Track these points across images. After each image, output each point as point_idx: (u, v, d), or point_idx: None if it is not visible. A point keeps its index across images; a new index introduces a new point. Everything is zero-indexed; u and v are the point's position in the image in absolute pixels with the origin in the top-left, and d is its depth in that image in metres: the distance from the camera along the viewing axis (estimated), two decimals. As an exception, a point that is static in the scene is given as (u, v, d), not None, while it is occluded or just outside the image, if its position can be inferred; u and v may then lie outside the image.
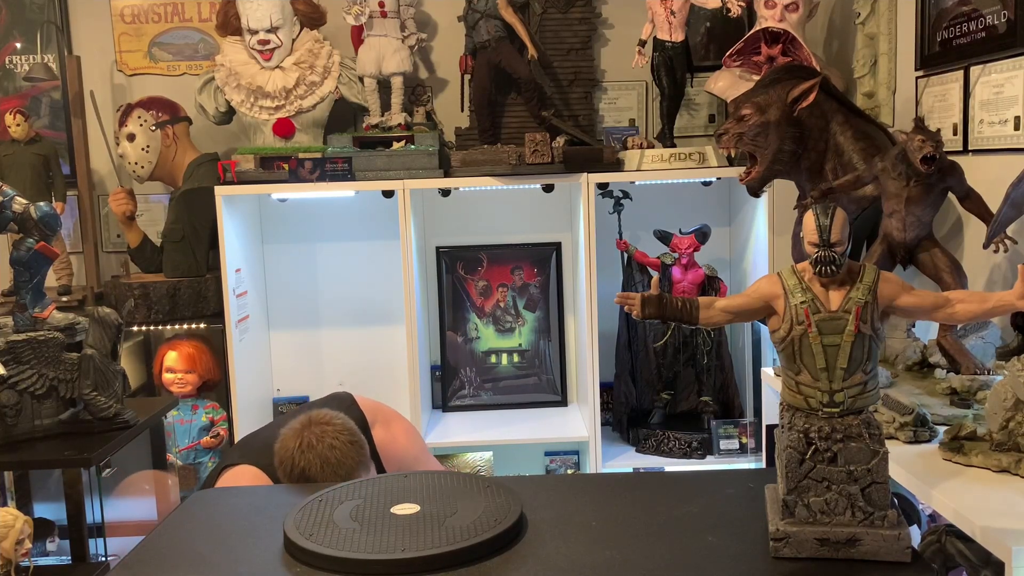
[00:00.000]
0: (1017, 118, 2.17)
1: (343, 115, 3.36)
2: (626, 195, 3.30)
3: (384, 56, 3.16)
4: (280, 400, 3.55)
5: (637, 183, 3.23)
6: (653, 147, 3.06)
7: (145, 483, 2.46)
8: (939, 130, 2.10)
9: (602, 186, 3.14)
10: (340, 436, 1.93)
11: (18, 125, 3.17)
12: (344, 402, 2.24)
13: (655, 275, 3.11)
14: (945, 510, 1.45)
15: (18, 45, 3.53)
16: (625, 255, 3.30)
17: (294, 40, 3.20)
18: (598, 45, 3.47)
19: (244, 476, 2.00)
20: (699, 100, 3.49)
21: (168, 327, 3.26)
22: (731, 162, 2.90)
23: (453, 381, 3.54)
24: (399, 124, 3.16)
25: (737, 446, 3.19)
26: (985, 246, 1.93)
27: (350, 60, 3.25)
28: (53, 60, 3.50)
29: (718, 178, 3.26)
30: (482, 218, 3.53)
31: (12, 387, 1.93)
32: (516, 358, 3.57)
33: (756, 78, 2.59)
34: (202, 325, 3.27)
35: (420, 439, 2.38)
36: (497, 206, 3.52)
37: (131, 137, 3.29)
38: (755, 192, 2.36)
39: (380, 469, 2.17)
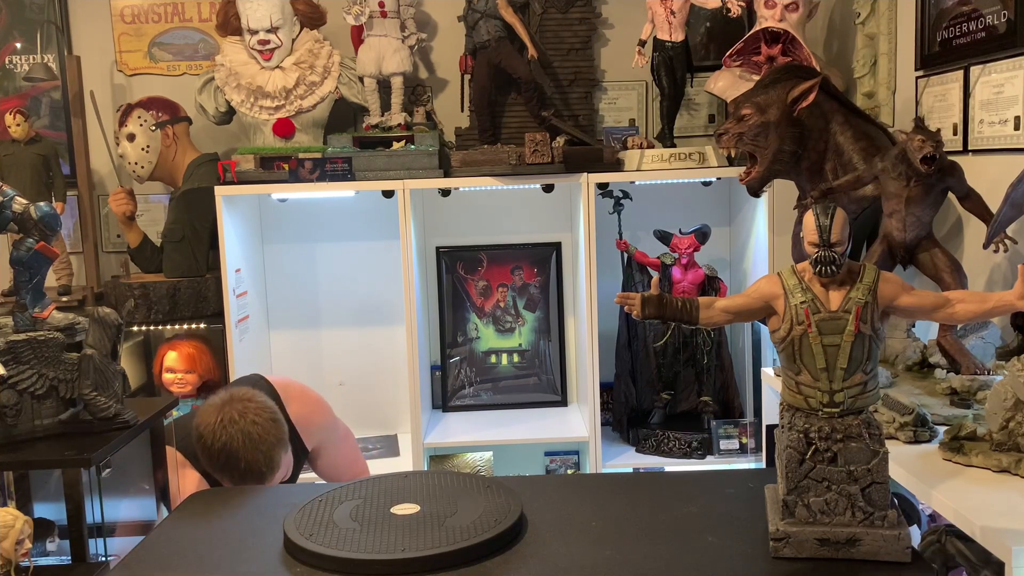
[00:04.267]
0: (1017, 118, 2.17)
1: (343, 115, 3.36)
2: (626, 195, 3.30)
3: (384, 56, 3.16)
4: (280, 400, 3.55)
5: (637, 183, 3.22)
6: (653, 147, 3.06)
7: (145, 483, 2.46)
8: (939, 130, 2.10)
9: (602, 186, 3.14)
10: (262, 414, 2.01)
11: (18, 125, 3.17)
12: (256, 382, 2.31)
13: (655, 275, 3.10)
14: (945, 510, 1.45)
15: (18, 45, 3.53)
16: (625, 255, 3.30)
17: (294, 40, 3.20)
18: (598, 45, 3.47)
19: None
20: (699, 100, 3.49)
21: (168, 327, 3.26)
22: (731, 162, 2.89)
23: (453, 381, 3.55)
24: (399, 124, 3.16)
25: (737, 446, 3.19)
26: (985, 246, 1.93)
27: (350, 60, 3.25)
28: (53, 60, 3.50)
29: (718, 178, 3.26)
30: (482, 218, 3.53)
31: (12, 387, 1.92)
32: (516, 358, 3.57)
33: (756, 78, 2.59)
34: (202, 325, 3.27)
35: (329, 410, 2.45)
36: (497, 206, 3.52)
37: (131, 137, 3.28)
38: (755, 192, 2.36)
39: (298, 442, 2.28)
